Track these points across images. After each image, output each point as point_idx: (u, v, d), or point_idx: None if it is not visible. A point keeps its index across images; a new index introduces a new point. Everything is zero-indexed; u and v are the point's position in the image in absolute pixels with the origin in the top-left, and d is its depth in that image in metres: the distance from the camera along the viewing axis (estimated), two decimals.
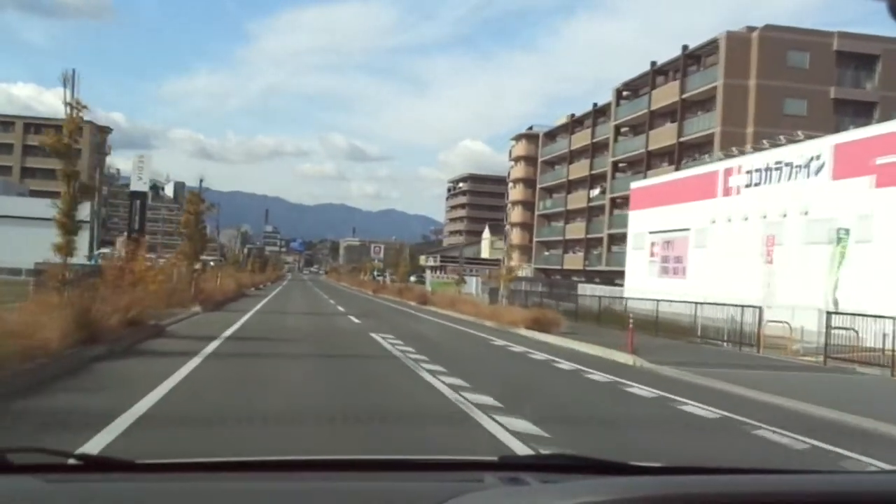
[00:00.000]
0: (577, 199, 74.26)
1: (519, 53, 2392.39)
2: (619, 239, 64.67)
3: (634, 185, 47.74)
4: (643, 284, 40.22)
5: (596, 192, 69.99)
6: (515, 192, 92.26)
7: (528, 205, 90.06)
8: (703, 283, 34.99)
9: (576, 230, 74.40)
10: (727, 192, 35.61)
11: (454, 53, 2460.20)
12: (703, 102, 53.92)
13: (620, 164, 64.77)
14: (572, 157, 76.37)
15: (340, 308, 34.26)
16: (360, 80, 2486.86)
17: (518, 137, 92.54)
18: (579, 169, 74.40)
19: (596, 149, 71.16)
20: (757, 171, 33.61)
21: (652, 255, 42.57)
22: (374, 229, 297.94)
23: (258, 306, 30.85)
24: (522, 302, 42.23)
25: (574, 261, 74.50)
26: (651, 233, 42.59)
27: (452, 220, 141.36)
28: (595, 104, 71.74)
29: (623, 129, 64.73)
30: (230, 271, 40.65)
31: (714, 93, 51.27)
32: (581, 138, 74.25)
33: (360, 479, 2.03)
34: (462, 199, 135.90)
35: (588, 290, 47.70)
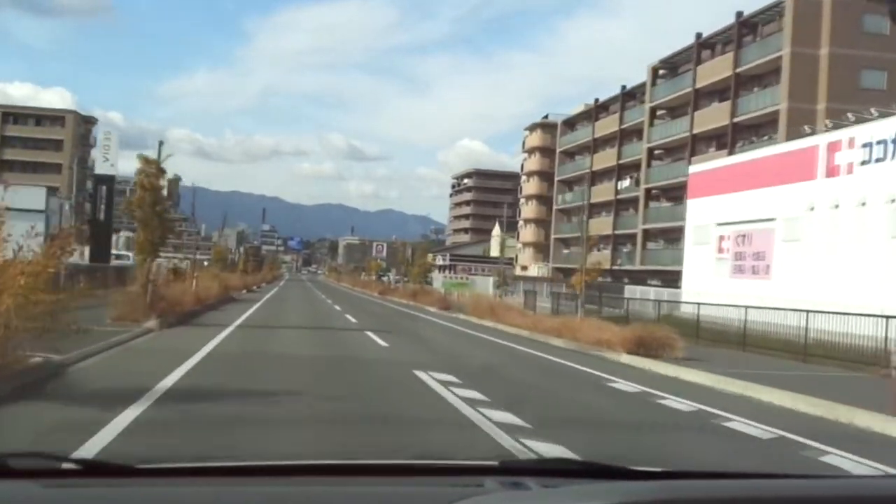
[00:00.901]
0: (602, 192, 66.64)
1: (518, 53, 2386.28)
2: (656, 234, 57.12)
3: (695, 168, 40.07)
4: (708, 286, 32.60)
5: (626, 183, 62.39)
6: (529, 186, 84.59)
7: (543, 199, 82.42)
8: (796, 284, 27.52)
9: (601, 226, 66.62)
10: (832, 171, 27.93)
11: (453, 53, 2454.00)
12: (761, 77, 46.38)
13: (656, 152, 57.19)
14: (596, 145, 68.74)
15: (351, 318, 26.47)
16: (358, 79, 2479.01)
17: (532, 127, 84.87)
18: (604, 158, 66.79)
19: (624, 136, 63.57)
20: (880, 142, 26.02)
21: (720, 251, 34.94)
22: (373, 229, 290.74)
23: (243, 317, 23.15)
24: (555, 306, 35.28)
25: (597, 259, 66.76)
26: (719, 224, 34.94)
27: (457, 217, 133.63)
28: (623, 87, 64.11)
29: (659, 113, 57.15)
30: (215, 271, 33.10)
31: (777, 65, 43.68)
32: (606, 125, 66.63)
33: (361, 484, 2.00)
34: (467, 196, 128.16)
35: (639, 293, 40.11)
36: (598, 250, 69.64)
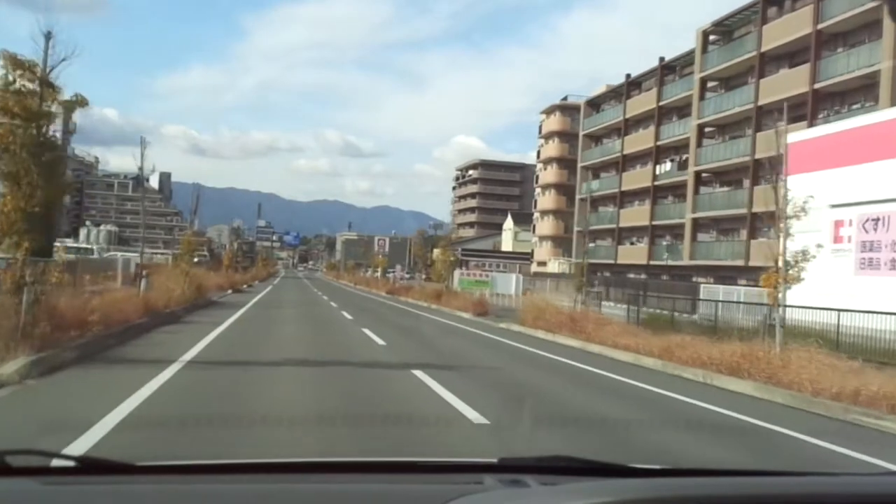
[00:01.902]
0: (636, 178, 58.34)
1: (514, 49, 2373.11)
2: (707, 225, 48.87)
3: (796, 136, 31.68)
4: (822, 284, 24.45)
5: (666, 166, 54.09)
6: (547, 174, 76.23)
7: (563, 188, 74.12)
8: None
9: (634, 216, 58.51)
10: None
11: (449, 49, 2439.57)
12: (846, 35, 38.18)
13: (707, 129, 48.92)
14: (627, 126, 60.42)
15: (374, 336, 17.67)
16: (354, 75, 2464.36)
17: (550, 110, 76.42)
18: (638, 140, 58.49)
19: (663, 114, 55.28)
20: None
21: (837, 239, 26.72)
22: (369, 226, 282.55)
23: (209, 338, 14.50)
24: (599, 306, 27.34)
25: (632, 254, 58.58)
26: (835, 207, 26.73)
27: (461, 211, 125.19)
28: (662, 58, 55.78)
29: (710, 84, 48.84)
30: (185, 267, 24.73)
31: (873, 17, 35.48)
32: (641, 103, 58.30)
33: (360, 482, 1.98)
34: (472, 188, 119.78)
35: (721, 293, 31.80)
36: (632, 243, 61.53)
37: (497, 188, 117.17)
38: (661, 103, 54.91)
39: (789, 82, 40.01)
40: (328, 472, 2.10)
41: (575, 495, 1.50)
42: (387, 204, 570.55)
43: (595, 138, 66.95)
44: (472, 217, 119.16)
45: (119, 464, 1.93)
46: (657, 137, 55.07)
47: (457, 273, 56.71)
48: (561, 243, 74.44)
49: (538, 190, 79.09)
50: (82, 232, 76.64)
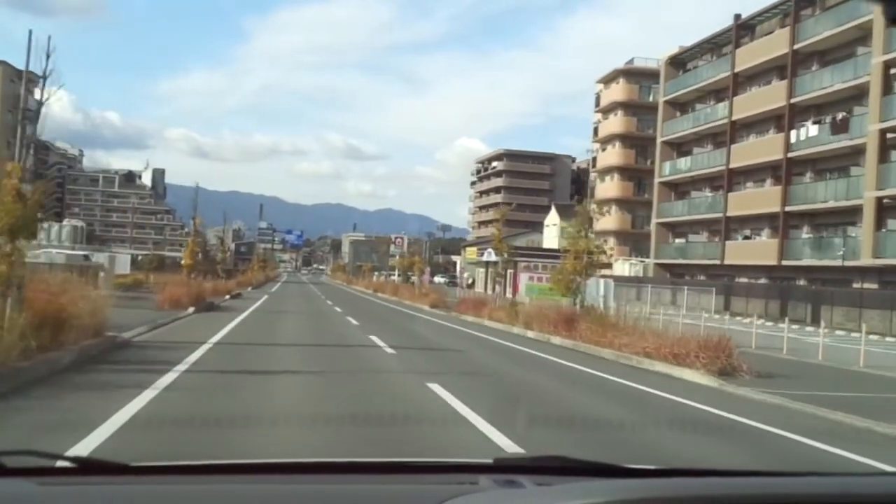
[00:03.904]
0: (753, 151, 42.46)
1: (516, 51, 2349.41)
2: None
3: None
4: None
5: (810, 130, 38.14)
6: (608, 156, 60.24)
7: (629, 172, 58.25)
8: None
9: (750, 201, 42.63)
10: None
11: (450, 51, 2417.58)
12: None
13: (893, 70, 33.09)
14: (736, 84, 44.61)
15: None
16: (356, 78, 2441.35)
17: (611, 77, 60.31)
18: (755, 101, 42.66)
19: (798, 62, 39.61)
20: None
21: None
22: (372, 228, 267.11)
23: None
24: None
25: (750, 251, 42.61)
26: None
27: (482, 207, 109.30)
28: None
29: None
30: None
31: None
32: (758, 51, 42.48)
33: (355, 482, 1.92)
34: (496, 182, 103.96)
35: None
36: (747, 238, 45.72)
37: (524, 181, 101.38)
38: (796, 46, 39.09)
39: None
40: (323, 472, 2.03)
41: (570, 495, 1.48)
42: (389, 207, 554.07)
43: (681, 105, 51.08)
44: (497, 213, 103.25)
45: (115, 464, 1.87)
46: (791, 93, 39.25)
47: (524, 277, 40.68)
48: (627, 240, 58.53)
49: (594, 176, 63.14)
50: (42, 228, 60.51)
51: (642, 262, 54.27)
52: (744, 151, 43.17)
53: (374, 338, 16.01)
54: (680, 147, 50.87)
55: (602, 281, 37.61)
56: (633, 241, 58.15)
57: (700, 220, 47.25)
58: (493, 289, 56.64)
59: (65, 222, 65.31)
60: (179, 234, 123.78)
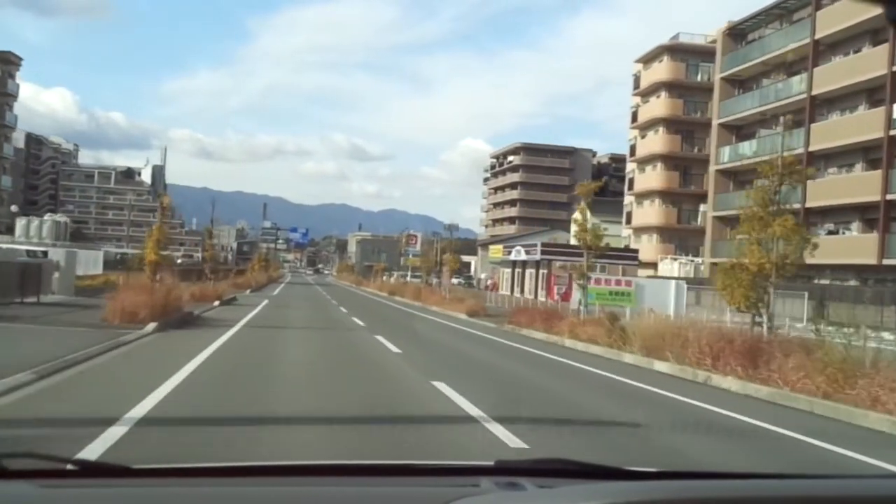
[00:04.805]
0: (841, 130, 35.68)
1: (520, 51, 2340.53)
2: None
3: None
4: None
5: None
6: (649, 143, 53.28)
7: (674, 161, 51.41)
8: None
9: (838, 188, 35.82)
10: None
11: (455, 51, 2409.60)
12: None
13: None
14: (817, 53, 37.74)
15: None
16: (361, 78, 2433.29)
17: (653, 55, 53.32)
18: (843, 71, 35.78)
19: None
20: None
21: None
22: (377, 228, 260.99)
23: None
24: None
25: (832, 248, 35.64)
26: None
27: (497, 204, 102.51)
28: None
29: None
30: None
31: None
32: (846, 11, 35.65)
33: (357, 484, 1.89)
34: (513, 177, 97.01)
35: None
36: (831, 232, 38.82)
37: (542, 176, 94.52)
38: None
39: None
40: (324, 475, 1.99)
41: (571, 498, 1.46)
42: (394, 207, 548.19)
43: (741, 82, 44.24)
44: (511, 211, 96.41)
45: (117, 467, 1.83)
46: (894, 60, 32.40)
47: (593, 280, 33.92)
48: (671, 236, 51.64)
49: (632, 167, 56.18)
50: (19, 223, 53.93)
51: (692, 261, 47.36)
52: (826, 131, 36.31)
53: (443, 387, 9.09)
54: (739, 130, 44.03)
55: (672, 283, 30.89)
56: (679, 238, 51.30)
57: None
58: (532, 292, 49.79)
59: (46, 217, 58.52)
60: (179, 233, 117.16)
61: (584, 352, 15.23)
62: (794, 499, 1.50)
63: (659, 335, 13.29)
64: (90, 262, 31.17)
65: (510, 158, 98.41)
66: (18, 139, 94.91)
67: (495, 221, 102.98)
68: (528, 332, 19.24)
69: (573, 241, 58.82)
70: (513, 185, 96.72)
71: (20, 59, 63.23)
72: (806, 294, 30.43)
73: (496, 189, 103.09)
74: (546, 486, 1.69)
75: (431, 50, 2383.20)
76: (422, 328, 21.04)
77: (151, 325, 14.46)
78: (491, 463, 2.02)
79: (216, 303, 25.81)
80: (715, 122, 44.93)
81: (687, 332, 12.36)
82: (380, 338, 15.56)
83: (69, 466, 1.81)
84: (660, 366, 12.48)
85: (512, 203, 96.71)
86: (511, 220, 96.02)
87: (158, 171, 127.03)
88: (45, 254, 26.21)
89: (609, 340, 14.84)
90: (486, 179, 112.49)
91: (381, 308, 32.65)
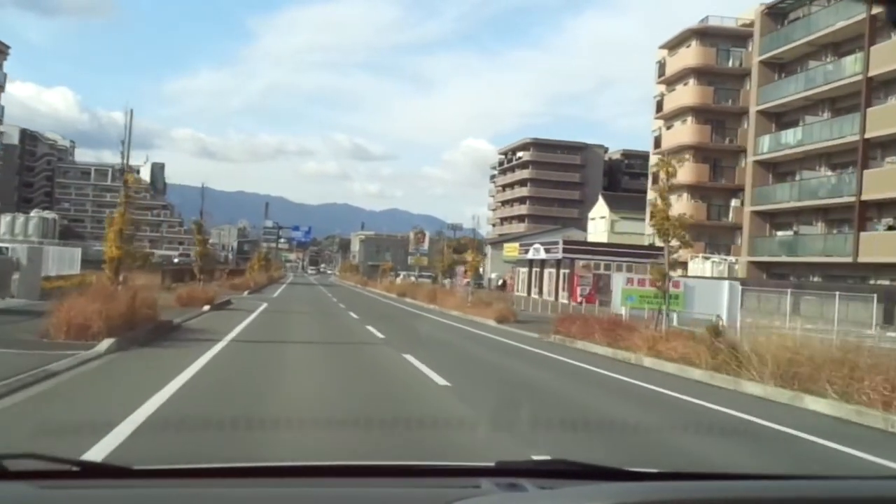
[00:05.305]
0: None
1: (522, 51, 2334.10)
2: None
3: None
4: None
5: None
6: (676, 133, 49.50)
7: (704, 153, 47.65)
8: None
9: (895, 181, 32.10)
10: None
11: (456, 51, 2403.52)
12: None
13: None
14: (873, 30, 33.98)
15: None
16: (362, 78, 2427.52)
17: (681, 39, 49.49)
18: None
19: None
20: None
21: None
22: (379, 228, 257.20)
23: None
24: None
25: (893, 245, 32.04)
26: None
27: (505, 202, 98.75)
28: None
29: None
30: None
31: None
32: None
33: (358, 486, 1.87)
34: (522, 174, 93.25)
35: None
36: (892, 228, 35.01)
37: (553, 173, 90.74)
38: None
39: None
40: (326, 476, 1.96)
41: (572, 499, 1.45)
42: (396, 207, 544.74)
43: (782, 66, 40.47)
44: (521, 209, 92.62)
45: (118, 468, 1.82)
46: None
47: (619, 279, 30.19)
48: (701, 234, 47.68)
49: (657, 159, 52.27)
50: (4, 220, 50.24)
51: (726, 259, 43.63)
52: (885, 116, 32.56)
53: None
54: (780, 118, 40.29)
55: (725, 284, 27.06)
56: (709, 235, 47.53)
57: (815, 206, 36.59)
58: (552, 293, 46.09)
59: (32, 213, 54.85)
60: (178, 232, 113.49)
61: (680, 376, 11.47)
62: (795, 499, 1.47)
63: (797, 358, 9.53)
64: (65, 260, 27.41)
65: (519, 154, 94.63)
66: (12, 135, 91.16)
67: (503, 220, 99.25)
68: (585, 346, 15.50)
69: (647, 231, 54.48)
70: (522, 182, 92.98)
71: (7, 47, 59.46)
72: (875, 297, 26.64)
73: (504, 186, 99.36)
74: (547, 488, 1.68)
75: (433, 50, 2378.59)
76: (453, 340, 17.31)
77: (106, 343, 10.72)
78: (492, 464, 1.98)
79: (205, 308, 22.07)
80: (753, 110, 41.18)
81: (854, 356, 8.59)
82: (409, 357, 11.81)
83: (70, 467, 1.77)
84: (815, 404, 8.73)
85: (521, 200, 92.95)
86: (520, 218, 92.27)
87: (158, 169, 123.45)
88: (4, 250, 22.46)
89: (715, 362, 11.08)
90: (493, 177, 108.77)
91: (396, 313, 28.89)
